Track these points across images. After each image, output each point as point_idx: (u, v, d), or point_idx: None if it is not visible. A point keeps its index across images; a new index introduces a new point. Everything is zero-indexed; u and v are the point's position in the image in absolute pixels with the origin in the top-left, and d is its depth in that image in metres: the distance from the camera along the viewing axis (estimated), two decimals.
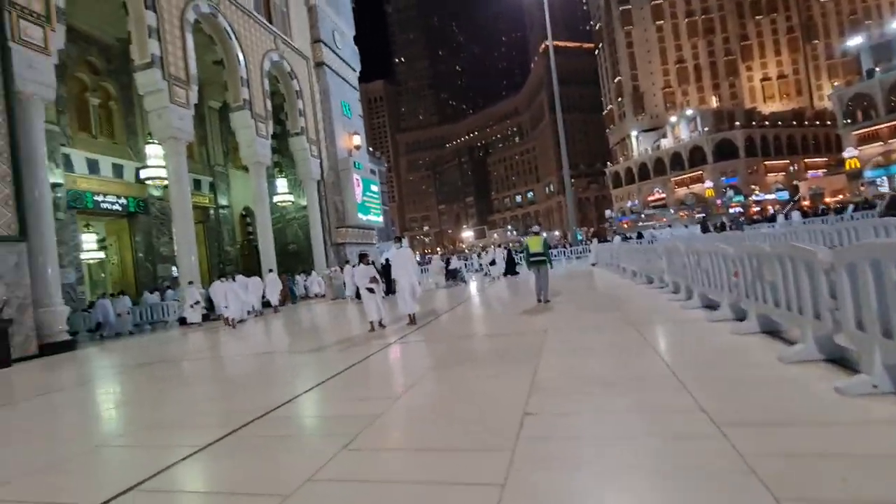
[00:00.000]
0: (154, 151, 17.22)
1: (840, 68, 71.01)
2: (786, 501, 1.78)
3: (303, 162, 22.54)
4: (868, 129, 46.66)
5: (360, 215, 25.31)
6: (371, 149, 38.20)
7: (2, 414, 5.34)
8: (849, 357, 3.27)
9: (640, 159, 74.69)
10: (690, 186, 67.49)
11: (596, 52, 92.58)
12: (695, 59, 77.29)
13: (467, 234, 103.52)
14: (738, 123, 66.35)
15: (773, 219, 29.23)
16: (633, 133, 78.02)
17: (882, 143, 45.53)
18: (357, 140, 26.68)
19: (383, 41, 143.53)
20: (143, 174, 18.24)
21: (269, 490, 2.45)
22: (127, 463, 3.26)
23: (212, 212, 23.31)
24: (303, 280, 21.40)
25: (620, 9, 79.13)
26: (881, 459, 2.06)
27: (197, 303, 13.71)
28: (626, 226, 61.44)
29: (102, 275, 19.87)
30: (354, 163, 25.20)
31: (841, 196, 49.21)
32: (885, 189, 41.33)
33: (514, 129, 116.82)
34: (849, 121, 48.45)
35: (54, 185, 14.03)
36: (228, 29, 17.95)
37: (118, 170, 18.45)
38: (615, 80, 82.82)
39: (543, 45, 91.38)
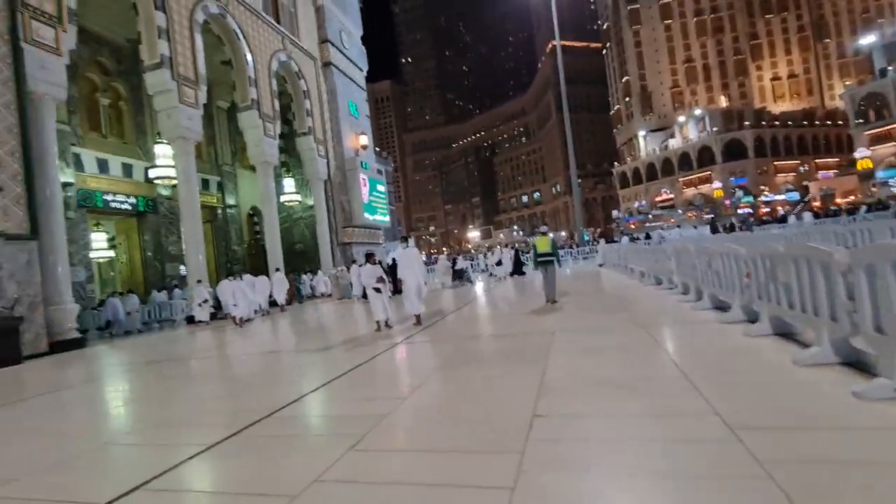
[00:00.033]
0: (163, 151, 17.37)
1: (852, 67, 70.06)
2: None
3: (310, 162, 22.62)
4: (881, 129, 45.99)
5: (367, 215, 25.35)
6: (378, 149, 38.19)
7: (12, 411, 5.38)
8: (866, 361, 3.20)
9: (648, 159, 74.17)
10: (699, 187, 66.89)
11: (603, 51, 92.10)
12: (703, 58, 76.62)
13: (473, 234, 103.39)
14: (747, 123, 65.64)
15: (784, 219, 28.93)
16: (641, 133, 77.49)
17: (895, 143, 44.85)
18: (364, 140, 26.73)
19: (390, 41, 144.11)
20: (153, 174, 18.40)
21: (275, 490, 2.43)
22: (134, 461, 3.26)
23: (220, 211, 23.46)
24: (309, 279, 21.47)
25: (628, 8, 78.67)
26: None
27: (205, 301, 13.79)
28: (633, 226, 61.06)
29: (112, 273, 20.06)
30: (361, 162, 25.25)
31: (853, 197, 48.53)
32: None
33: (521, 129, 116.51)
34: (861, 120, 47.78)
35: (65, 185, 14.19)
36: (237, 29, 18.05)
37: (128, 169, 18.61)
38: (623, 80, 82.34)
39: (551, 45, 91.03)
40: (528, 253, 22.14)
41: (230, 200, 23.98)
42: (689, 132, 69.70)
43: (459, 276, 18.99)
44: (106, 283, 19.58)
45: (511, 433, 2.78)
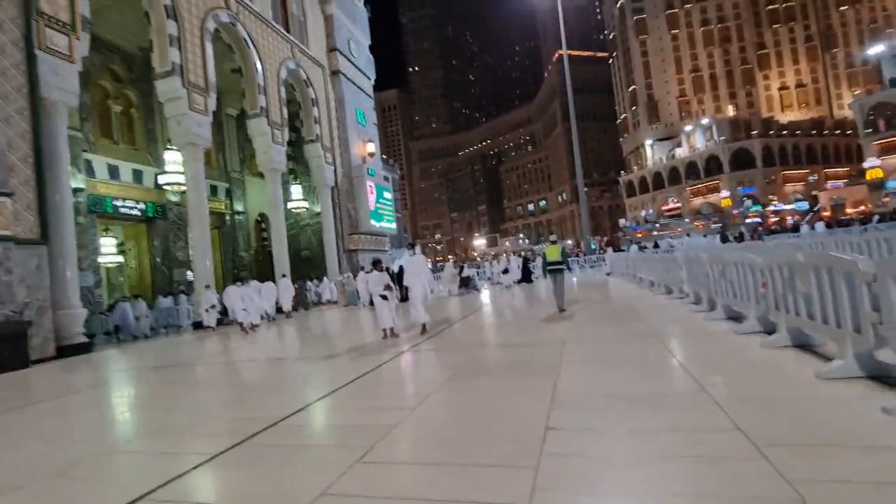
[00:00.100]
0: (173, 158, 17.51)
1: (860, 77, 69.72)
2: None
3: (317, 169, 22.72)
4: (891, 139, 45.57)
5: (374, 222, 25.38)
6: (384, 156, 38.50)
7: (18, 416, 5.35)
8: (894, 374, 3.08)
9: (655, 168, 73.94)
10: (706, 196, 66.50)
11: (610, 61, 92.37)
12: (710, 67, 76.60)
13: (479, 242, 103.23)
14: (755, 132, 65.35)
15: (796, 229, 28.61)
16: (648, 142, 77.35)
17: None
18: (371, 147, 26.85)
19: (398, 50, 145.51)
20: (162, 180, 18.54)
21: None
22: (138, 470, 3.20)
23: (227, 217, 23.58)
24: (314, 286, 21.45)
25: (635, 18, 78.98)
26: None
27: (213, 307, 13.79)
28: (640, 235, 60.68)
29: (121, 278, 20.15)
30: (368, 170, 25.34)
31: (863, 207, 48.00)
32: None
33: (527, 137, 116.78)
34: (870, 130, 47.39)
35: (76, 190, 14.31)
36: (247, 38, 18.26)
37: (138, 175, 18.78)
38: (629, 89, 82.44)
39: (557, 54, 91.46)
40: (533, 261, 22.03)
41: (238, 207, 24.11)
42: (696, 141, 69.48)
43: (466, 283, 18.88)
44: (114, 288, 19.67)
45: (524, 447, 2.69)
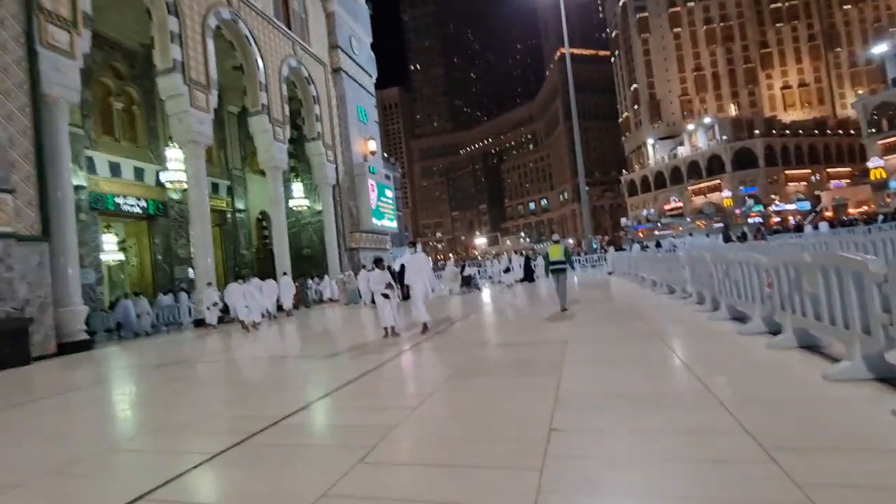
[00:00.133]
0: (174, 155, 17.49)
1: (864, 76, 69.43)
2: None
3: (319, 167, 22.69)
4: (894, 139, 45.38)
5: (375, 220, 25.35)
6: (385, 154, 38.40)
7: (19, 412, 5.33)
8: None
9: (657, 167, 73.77)
10: (708, 195, 66.34)
11: (612, 59, 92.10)
12: (713, 66, 76.31)
13: (480, 240, 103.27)
14: (757, 132, 65.17)
15: (799, 229, 28.51)
16: (650, 141, 77.14)
17: None
18: (372, 145, 26.80)
19: (399, 48, 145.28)
20: (163, 177, 18.52)
21: None
22: (138, 469, 3.17)
23: (229, 215, 23.57)
24: (315, 284, 21.44)
25: (637, 16, 78.70)
26: None
27: (215, 304, 13.77)
28: (641, 234, 60.61)
29: (122, 276, 20.15)
30: (369, 168, 25.29)
31: (865, 207, 47.84)
32: None
33: (529, 136, 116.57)
34: (873, 130, 47.19)
35: (77, 187, 14.29)
36: (248, 35, 18.21)
37: (139, 173, 18.76)
38: (631, 88, 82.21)
39: (559, 53, 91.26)
40: (535, 260, 21.98)
41: (239, 204, 24.09)
42: (698, 140, 69.29)
43: (468, 282, 18.85)
44: (115, 286, 19.67)
45: (528, 448, 2.66)
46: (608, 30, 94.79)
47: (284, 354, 8.24)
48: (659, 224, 65.57)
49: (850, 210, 49.08)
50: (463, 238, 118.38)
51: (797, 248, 12.42)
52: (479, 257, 61.39)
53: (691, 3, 76.30)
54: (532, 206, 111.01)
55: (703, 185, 66.93)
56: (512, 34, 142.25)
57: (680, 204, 69.24)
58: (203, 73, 15.58)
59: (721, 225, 50.36)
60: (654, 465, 2.36)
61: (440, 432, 3.28)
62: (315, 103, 22.66)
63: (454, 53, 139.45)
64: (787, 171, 64.02)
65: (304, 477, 2.68)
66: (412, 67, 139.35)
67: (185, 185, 16.89)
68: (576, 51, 79.72)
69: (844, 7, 72.86)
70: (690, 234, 41.06)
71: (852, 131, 63.05)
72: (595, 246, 32.40)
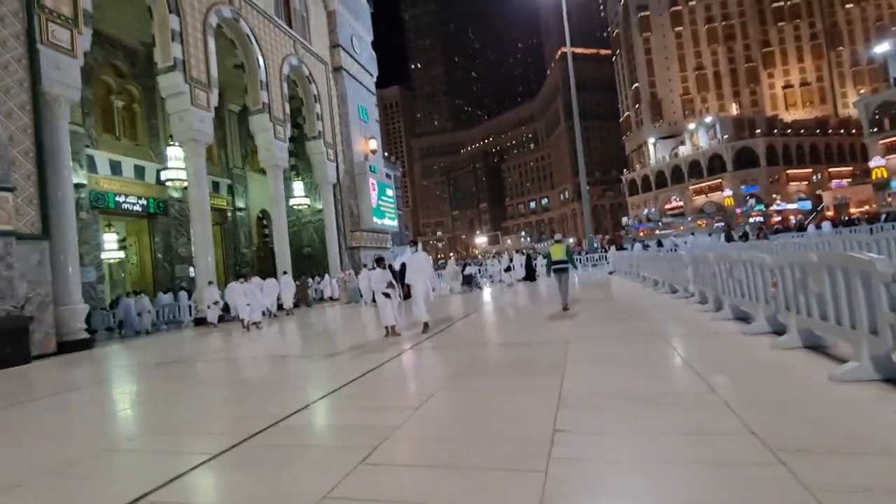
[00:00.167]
0: (175, 153, 17.47)
1: (866, 75, 69.29)
2: None
3: (319, 165, 22.66)
4: None
5: (376, 219, 25.32)
6: (386, 153, 38.30)
7: (19, 412, 5.31)
8: None
9: (658, 167, 73.65)
10: (709, 195, 66.26)
11: (613, 58, 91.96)
12: (714, 65, 76.16)
13: (481, 239, 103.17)
14: (758, 131, 65.05)
15: (801, 228, 28.44)
16: (651, 140, 77.04)
17: None
18: (373, 144, 26.77)
19: (400, 47, 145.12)
20: (164, 176, 18.51)
21: None
22: (138, 469, 3.14)
23: (229, 214, 23.55)
24: (316, 283, 21.42)
25: (639, 15, 78.53)
26: None
27: (216, 303, 13.75)
28: (642, 234, 60.54)
29: (122, 274, 20.15)
30: (370, 167, 25.27)
31: (867, 207, 47.75)
32: None
33: (529, 135, 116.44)
34: (875, 129, 47.08)
35: (78, 186, 14.28)
36: (249, 33, 18.17)
37: (140, 171, 18.74)
38: (632, 87, 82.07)
39: (560, 52, 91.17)
40: (535, 259, 21.93)
41: (240, 203, 24.08)
42: (699, 140, 69.17)
43: (468, 281, 18.81)
44: (116, 284, 19.67)
45: (532, 450, 2.62)
46: (609, 29, 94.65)
47: (285, 354, 8.21)
48: (660, 223, 65.49)
49: (852, 210, 49.00)
50: (463, 237, 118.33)
51: (800, 247, 12.38)
52: (480, 256, 61.41)
53: (693, 2, 76.13)
54: (532, 205, 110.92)
55: (704, 184, 66.84)
56: (513, 33, 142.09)
57: (681, 203, 69.15)
58: (204, 72, 15.55)
59: (722, 224, 50.31)
60: (661, 468, 2.33)
61: (443, 433, 3.25)
62: (316, 102, 22.63)
63: (455, 52, 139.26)
64: (788, 171, 63.91)
65: (306, 478, 2.65)
66: (413, 66, 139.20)
67: (186, 184, 16.88)
68: (577, 50, 79.60)
69: (846, 6, 72.66)
70: (692, 234, 40.97)
71: (854, 131, 62.94)
72: (595, 245, 32.36)
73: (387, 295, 7.86)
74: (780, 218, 56.44)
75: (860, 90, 65.75)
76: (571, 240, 74.78)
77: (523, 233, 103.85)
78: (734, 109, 73.89)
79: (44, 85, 10.69)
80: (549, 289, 14.72)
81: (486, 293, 16.48)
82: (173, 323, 16.06)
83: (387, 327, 7.92)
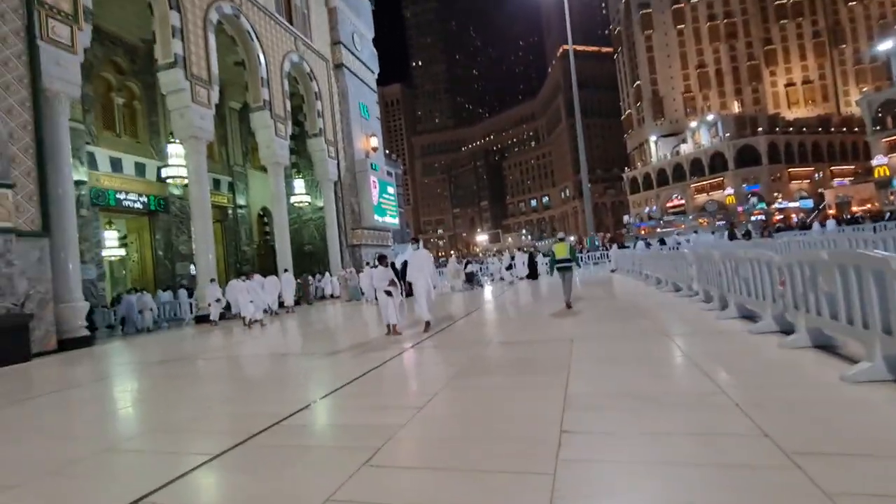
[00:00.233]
0: (175, 151, 17.42)
1: (869, 74, 69.01)
2: None
3: (320, 163, 22.59)
4: None
5: (377, 217, 25.27)
6: (387, 151, 38.20)
7: (19, 410, 5.27)
8: None
9: (659, 165, 73.48)
10: (710, 193, 66.11)
11: (615, 56, 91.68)
12: (716, 63, 75.90)
13: (482, 237, 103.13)
14: (760, 129, 64.84)
15: (804, 226, 28.36)
16: (652, 138, 76.85)
17: None
18: (374, 142, 26.69)
19: (401, 44, 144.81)
20: (165, 173, 18.47)
21: None
22: (138, 470, 3.10)
23: (230, 211, 23.51)
24: (317, 281, 21.39)
25: (640, 13, 78.23)
26: None
27: (217, 300, 13.72)
28: (643, 232, 60.42)
29: (123, 271, 20.13)
30: (371, 164, 25.19)
31: (869, 205, 47.60)
32: None
33: (531, 133, 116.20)
34: (878, 127, 46.92)
35: (78, 183, 14.23)
36: (250, 30, 18.09)
37: (140, 168, 18.69)
38: (634, 85, 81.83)
39: (561, 49, 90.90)
40: (536, 257, 21.88)
41: (241, 201, 24.03)
42: (701, 138, 68.98)
43: (470, 279, 18.77)
44: (117, 282, 19.65)
45: (539, 451, 2.57)
46: (611, 26, 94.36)
47: (286, 352, 8.17)
48: (661, 222, 65.36)
49: (854, 208, 48.85)
50: (464, 235, 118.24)
51: (805, 245, 12.31)
52: (481, 254, 61.31)
53: (695, 0, 75.81)
54: (534, 203, 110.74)
55: (705, 182, 66.69)
56: (514, 31, 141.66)
57: (682, 201, 69.00)
58: (204, 69, 15.48)
59: (724, 223, 50.21)
60: (673, 471, 2.27)
61: (447, 433, 3.20)
62: (317, 99, 22.55)
63: (456, 50, 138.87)
64: (790, 169, 63.73)
65: (309, 480, 2.60)
66: (414, 64, 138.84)
67: (187, 181, 16.83)
68: (578, 47, 79.37)
69: (849, 4, 72.32)
70: (696, 232, 40.86)
71: (856, 129, 62.73)
72: (597, 243, 32.27)
73: (388, 293, 7.81)
74: (781, 216, 56.29)
75: (863, 88, 65.52)
76: (572, 238, 74.68)
77: (524, 231, 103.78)
78: (736, 107, 73.66)
79: (44, 81, 10.63)
80: (550, 287, 14.67)
81: (488, 291, 16.43)
82: (174, 320, 16.03)
83: (388, 325, 7.88)
